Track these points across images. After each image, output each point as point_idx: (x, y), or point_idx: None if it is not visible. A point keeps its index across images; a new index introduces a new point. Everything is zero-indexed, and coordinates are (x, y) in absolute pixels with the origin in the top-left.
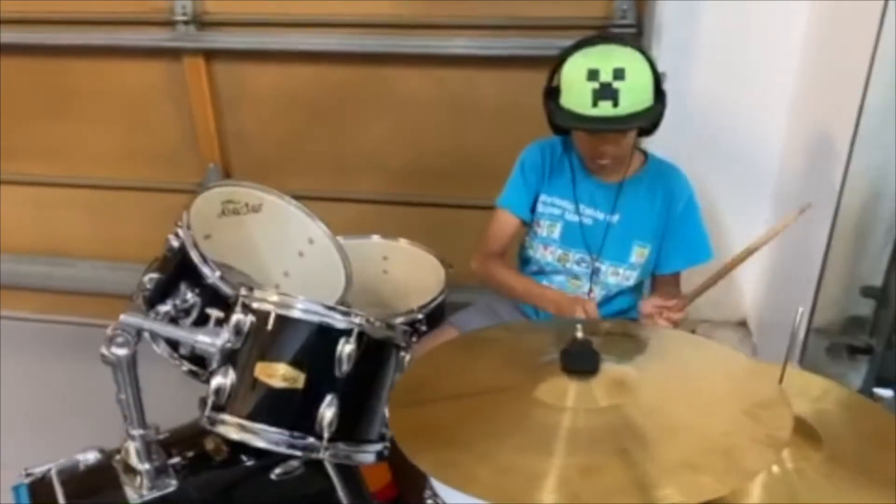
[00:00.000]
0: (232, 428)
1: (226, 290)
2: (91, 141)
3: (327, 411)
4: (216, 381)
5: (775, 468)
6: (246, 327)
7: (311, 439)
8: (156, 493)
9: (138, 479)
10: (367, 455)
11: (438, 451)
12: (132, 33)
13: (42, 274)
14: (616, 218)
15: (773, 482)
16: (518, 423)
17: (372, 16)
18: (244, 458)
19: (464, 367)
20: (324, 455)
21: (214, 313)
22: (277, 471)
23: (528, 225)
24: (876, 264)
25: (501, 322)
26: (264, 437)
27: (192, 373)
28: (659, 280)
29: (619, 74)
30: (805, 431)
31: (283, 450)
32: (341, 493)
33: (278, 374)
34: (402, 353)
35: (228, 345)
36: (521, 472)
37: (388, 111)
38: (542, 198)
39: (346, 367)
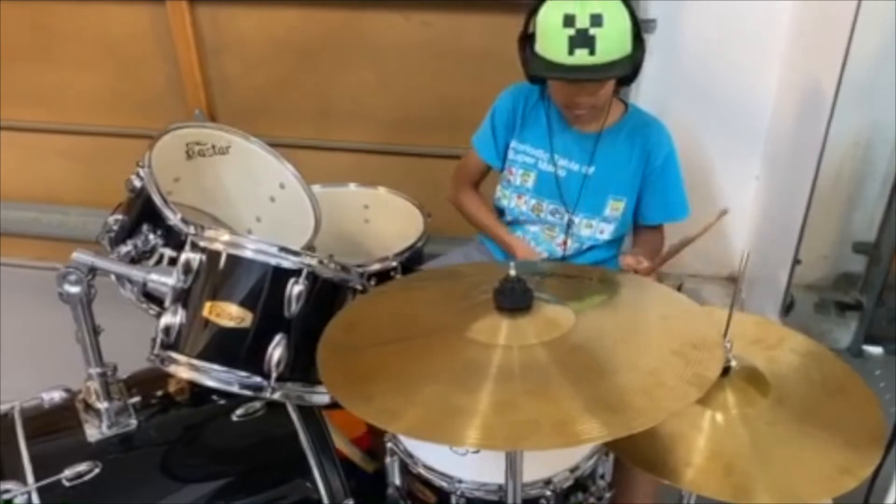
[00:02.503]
0: (182, 367)
1: (185, 230)
2: (76, 86)
3: (275, 351)
4: (165, 319)
5: (719, 415)
6: (195, 266)
7: (258, 378)
8: (115, 431)
9: (98, 417)
10: (320, 396)
11: (361, 388)
12: None
13: (33, 220)
14: (591, 170)
15: (716, 428)
16: (448, 361)
17: None
18: (206, 399)
19: (401, 309)
20: (271, 395)
21: (167, 253)
22: (239, 412)
23: (500, 171)
24: (869, 220)
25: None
26: (213, 376)
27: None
28: (639, 231)
29: (596, 21)
30: (755, 378)
31: (232, 388)
32: (302, 435)
33: (226, 313)
34: (351, 297)
35: (180, 284)
36: (442, 408)
37: (373, 57)
38: (514, 145)
39: (294, 308)
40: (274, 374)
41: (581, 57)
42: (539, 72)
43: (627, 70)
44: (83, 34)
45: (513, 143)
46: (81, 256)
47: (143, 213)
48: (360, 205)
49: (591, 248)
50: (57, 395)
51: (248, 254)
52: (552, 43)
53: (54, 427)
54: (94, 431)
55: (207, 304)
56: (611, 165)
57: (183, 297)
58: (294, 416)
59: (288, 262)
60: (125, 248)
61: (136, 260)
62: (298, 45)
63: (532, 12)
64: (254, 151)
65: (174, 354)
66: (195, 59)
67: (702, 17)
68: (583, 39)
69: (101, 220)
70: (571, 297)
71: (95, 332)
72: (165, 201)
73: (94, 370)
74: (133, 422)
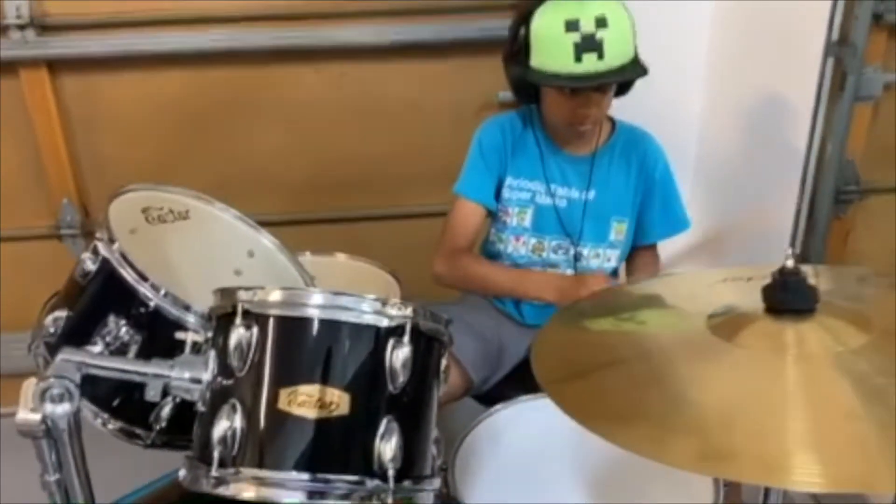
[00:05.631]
0: (258, 486)
1: (174, 312)
2: None
3: (386, 442)
4: (221, 426)
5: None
6: (250, 345)
7: (374, 482)
8: None
9: None
10: (427, 495)
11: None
12: None
13: None
14: (592, 194)
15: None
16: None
17: (251, 8)
18: None
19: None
20: (390, 501)
21: (190, 337)
22: None
23: (492, 215)
24: None
25: (482, 333)
26: (296, 486)
27: (125, 432)
28: (638, 254)
29: (601, 22)
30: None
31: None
32: None
33: (313, 399)
34: (444, 355)
35: (228, 375)
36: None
37: (281, 117)
38: (508, 181)
39: (401, 379)
40: (391, 473)
41: (590, 63)
42: (544, 83)
43: (638, 73)
44: None
45: (507, 181)
46: (71, 357)
47: (105, 299)
48: (322, 275)
49: None
50: None
51: (327, 314)
52: (555, 52)
53: None
54: None
55: (283, 393)
56: (610, 187)
57: (231, 392)
58: None
59: (385, 320)
60: (95, 349)
61: None
62: (187, 112)
63: (519, 24)
64: (216, 216)
65: (246, 470)
66: (60, 138)
67: None
68: (590, 44)
69: None
70: None
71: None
72: (144, 277)
73: None
74: None
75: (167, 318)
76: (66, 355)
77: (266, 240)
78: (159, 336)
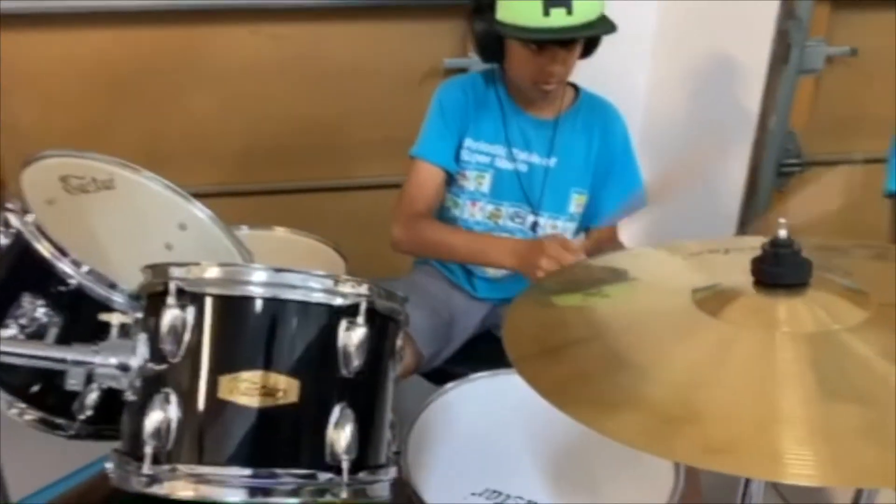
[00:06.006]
0: (196, 483)
1: (98, 291)
2: None
3: (339, 430)
4: (153, 418)
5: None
6: (185, 328)
7: (326, 475)
8: None
9: None
10: (382, 486)
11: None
12: None
13: None
14: (553, 161)
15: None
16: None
17: None
18: None
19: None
20: (344, 495)
21: (116, 318)
22: None
23: (450, 178)
24: None
25: (432, 307)
26: (239, 482)
27: (45, 423)
28: (595, 236)
29: None
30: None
31: (290, 501)
32: None
33: (258, 387)
34: (400, 335)
35: (162, 361)
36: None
37: (214, 81)
38: (468, 143)
39: (356, 363)
40: (346, 465)
41: (558, 17)
42: (512, 36)
43: (607, 29)
44: None
45: (466, 142)
46: None
47: (17, 277)
48: (260, 251)
49: None
50: None
51: (273, 293)
52: (523, 5)
53: None
54: None
55: (224, 380)
56: (573, 155)
57: (166, 379)
58: None
59: (339, 298)
60: (8, 332)
61: None
62: (113, 75)
63: None
64: (144, 186)
65: (183, 467)
66: None
67: None
68: None
69: None
70: None
71: None
72: (64, 252)
73: None
74: None
75: (91, 297)
76: None
77: (199, 211)
78: (82, 318)
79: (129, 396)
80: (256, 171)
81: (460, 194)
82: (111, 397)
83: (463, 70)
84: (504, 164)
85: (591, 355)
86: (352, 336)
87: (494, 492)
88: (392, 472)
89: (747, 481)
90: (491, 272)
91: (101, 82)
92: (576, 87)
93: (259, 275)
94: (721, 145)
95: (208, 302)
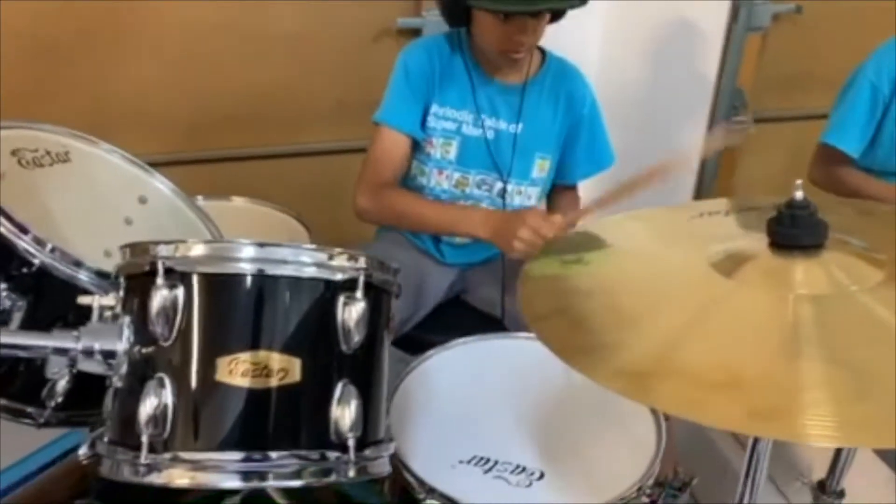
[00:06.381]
0: (196, 471)
1: (64, 270)
2: None
3: (343, 408)
4: (148, 404)
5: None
6: (176, 309)
7: (334, 454)
8: None
9: None
10: (383, 462)
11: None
12: None
13: None
14: (520, 127)
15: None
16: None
17: None
18: None
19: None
20: (352, 474)
21: (97, 301)
22: None
23: (416, 145)
24: None
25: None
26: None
27: (12, 412)
28: (559, 194)
29: None
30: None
31: (294, 482)
32: None
33: (258, 367)
34: (393, 307)
35: (151, 344)
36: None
37: (152, 47)
38: (434, 110)
39: (357, 338)
40: (352, 443)
41: None
42: (484, 5)
43: (576, 3)
44: None
45: (433, 109)
46: None
47: None
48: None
49: None
50: None
51: (269, 269)
52: None
53: None
54: None
55: (222, 362)
56: (538, 120)
57: (164, 363)
58: None
59: (338, 273)
60: None
61: None
62: (46, 41)
63: None
64: (101, 158)
65: (183, 454)
66: None
67: None
68: None
69: None
70: None
71: None
72: (25, 230)
73: None
74: None
75: (57, 277)
76: None
77: (160, 184)
78: (46, 300)
79: (116, 382)
80: (207, 138)
81: (427, 162)
82: (82, 382)
83: (417, 30)
84: (471, 131)
85: (606, 319)
86: (351, 311)
87: (482, 458)
88: (392, 447)
89: (754, 445)
90: (458, 239)
91: (32, 49)
92: (543, 51)
93: (248, 250)
94: (682, 113)
95: (198, 281)
